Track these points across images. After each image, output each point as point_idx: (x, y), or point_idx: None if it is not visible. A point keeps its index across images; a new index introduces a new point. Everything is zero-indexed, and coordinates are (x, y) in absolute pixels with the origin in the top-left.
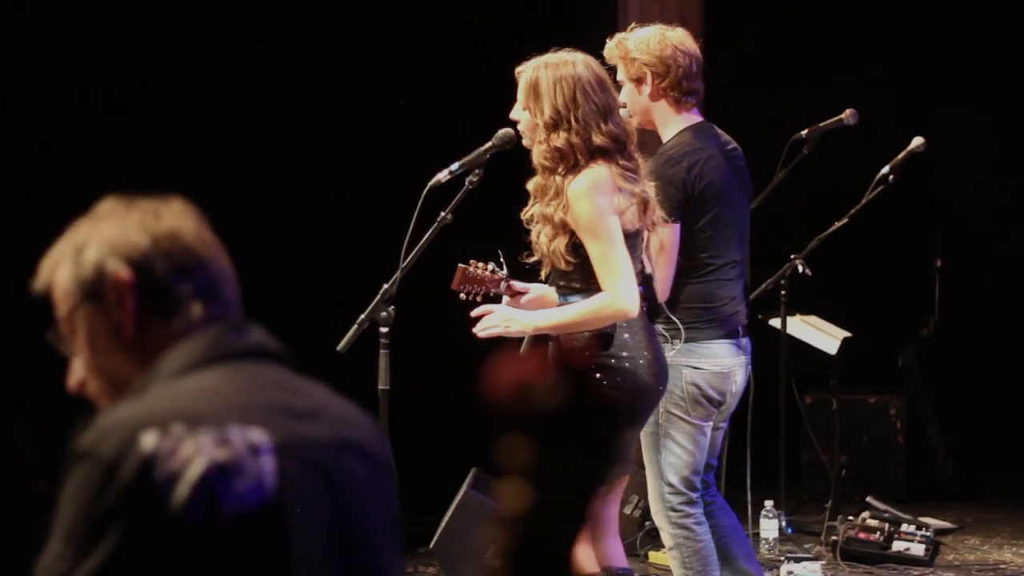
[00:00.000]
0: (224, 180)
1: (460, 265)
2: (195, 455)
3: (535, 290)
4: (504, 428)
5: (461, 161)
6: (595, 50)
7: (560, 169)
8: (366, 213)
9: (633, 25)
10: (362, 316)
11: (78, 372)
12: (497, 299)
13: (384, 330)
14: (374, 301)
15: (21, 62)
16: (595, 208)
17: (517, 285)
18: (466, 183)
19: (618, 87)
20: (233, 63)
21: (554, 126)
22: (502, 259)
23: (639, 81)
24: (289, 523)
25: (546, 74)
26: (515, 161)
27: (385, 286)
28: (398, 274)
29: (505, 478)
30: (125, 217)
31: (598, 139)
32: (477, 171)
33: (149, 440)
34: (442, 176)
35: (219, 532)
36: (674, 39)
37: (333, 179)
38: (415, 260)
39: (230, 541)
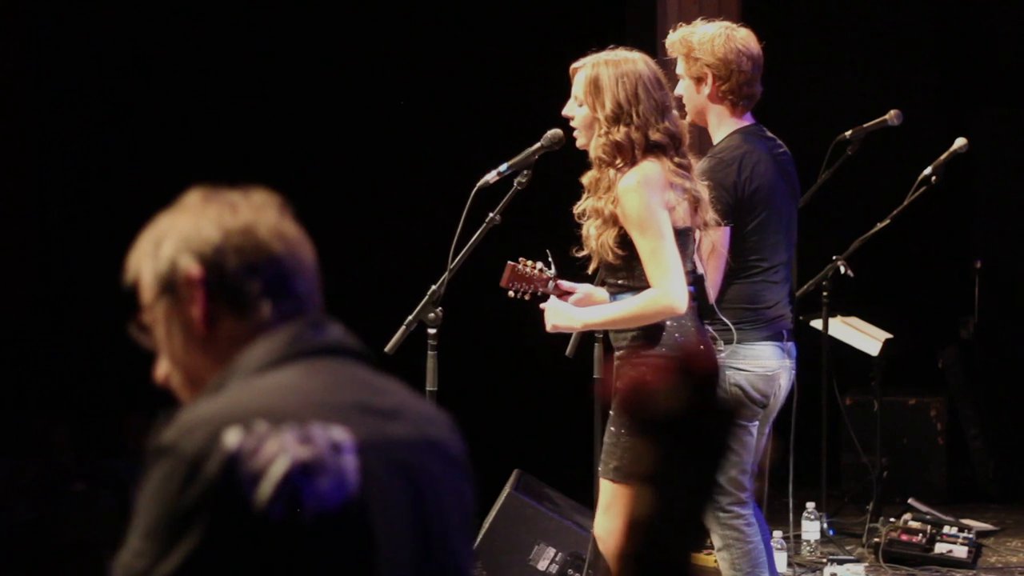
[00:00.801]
0: (273, 181)
1: (509, 263)
2: (278, 453)
3: (582, 290)
4: (630, 433)
5: (510, 162)
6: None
7: (617, 162)
8: (414, 214)
9: (699, 20)
10: (410, 317)
11: (163, 365)
12: (545, 298)
13: (432, 331)
14: (422, 302)
15: (121, 57)
16: (645, 203)
17: (565, 284)
18: (515, 184)
19: (675, 80)
20: (282, 64)
21: (615, 120)
22: (550, 258)
23: (699, 80)
24: (372, 522)
25: (607, 70)
26: (563, 162)
27: (433, 287)
28: (446, 275)
29: (628, 483)
30: (202, 210)
31: (655, 135)
32: (526, 172)
33: (233, 437)
34: (491, 177)
35: (302, 530)
36: (739, 41)
37: (381, 180)
38: (463, 261)
39: (312, 539)
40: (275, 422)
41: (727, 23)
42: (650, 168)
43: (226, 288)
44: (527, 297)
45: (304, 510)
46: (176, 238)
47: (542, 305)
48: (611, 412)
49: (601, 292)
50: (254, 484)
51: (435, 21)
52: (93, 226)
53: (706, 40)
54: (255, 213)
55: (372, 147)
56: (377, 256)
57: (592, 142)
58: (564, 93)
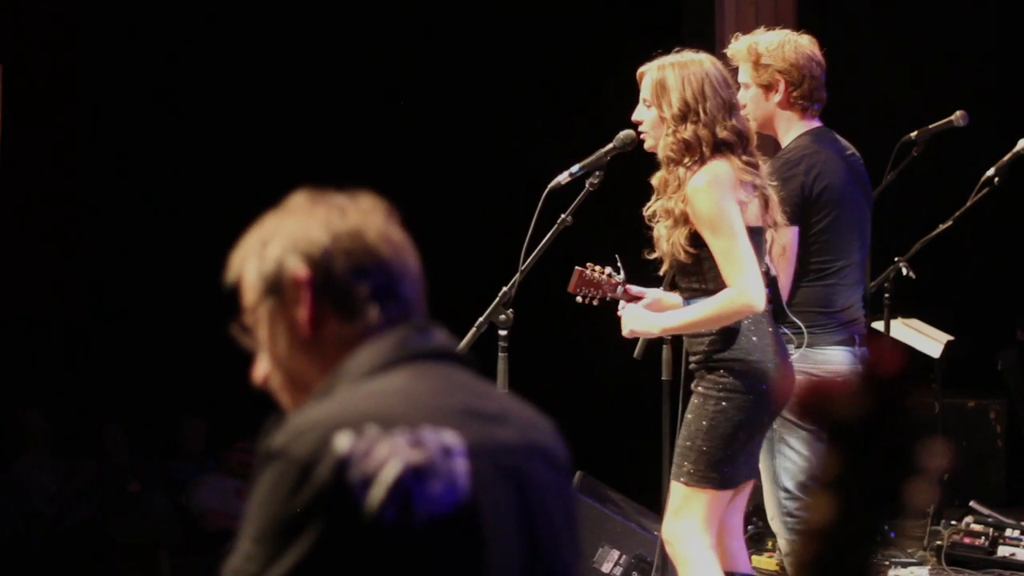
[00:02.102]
0: (345, 184)
1: (577, 268)
2: (390, 457)
3: (651, 295)
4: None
5: (582, 163)
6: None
7: (686, 161)
8: (486, 216)
9: (760, 29)
10: (481, 319)
11: (263, 366)
12: (613, 303)
13: (503, 333)
14: (493, 304)
15: (219, 60)
16: (715, 203)
17: (633, 289)
18: (586, 185)
19: (737, 88)
20: (352, 67)
21: (682, 118)
22: (619, 263)
23: (769, 88)
24: (482, 526)
25: (673, 70)
26: (635, 164)
27: (504, 289)
28: (517, 276)
29: (812, 489)
30: (311, 213)
31: (723, 133)
32: (597, 173)
33: (344, 441)
34: (562, 178)
35: (413, 534)
36: (806, 47)
37: (453, 182)
38: (534, 263)
39: (423, 543)
40: (386, 426)
41: (787, 31)
42: (719, 167)
43: (333, 290)
44: (595, 302)
45: (415, 514)
46: (284, 239)
47: (620, 311)
48: (686, 416)
49: (671, 297)
50: (365, 488)
51: (507, 28)
52: (153, 229)
53: (775, 47)
54: (363, 217)
55: (444, 149)
56: (448, 258)
57: (660, 142)
58: (633, 95)
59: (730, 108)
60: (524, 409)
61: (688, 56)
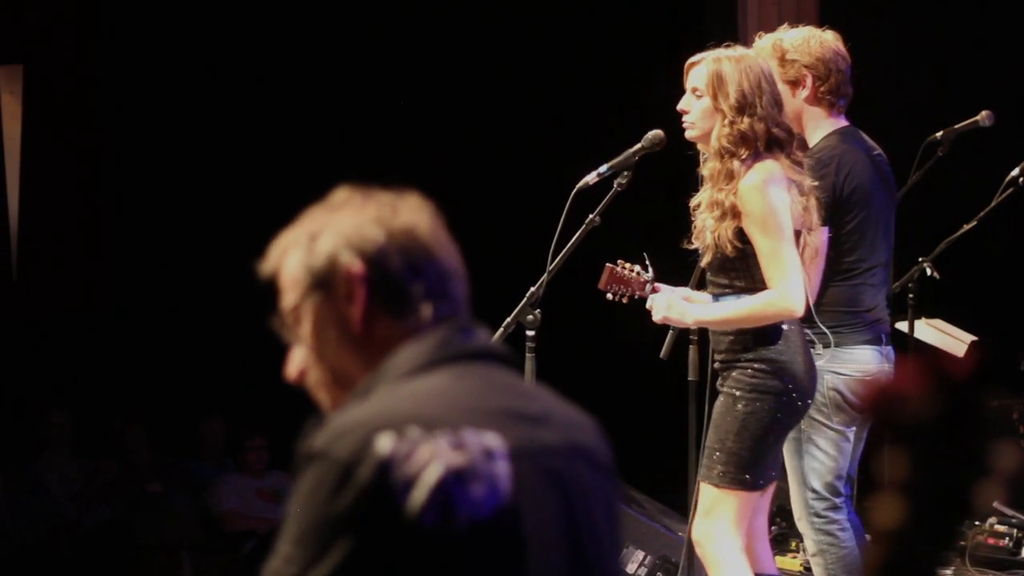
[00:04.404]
0: (374, 180)
1: (608, 265)
2: (432, 459)
3: (680, 293)
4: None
5: (610, 163)
6: None
7: (741, 153)
8: (514, 215)
9: (785, 25)
10: (508, 319)
11: (299, 361)
12: (641, 302)
13: (530, 333)
14: (520, 304)
15: (241, 60)
16: (768, 203)
17: (663, 288)
18: (615, 185)
19: None
20: (380, 65)
21: (739, 110)
22: (648, 261)
23: (796, 84)
24: (524, 530)
25: (731, 63)
26: (664, 165)
27: (532, 289)
28: (545, 276)
29: (880, 491)
30: (362, 209)
31: (776, 130)
32: (626, 173)
33: (385, 442)
34: (591, 178)
35: (454, 537)
36: (830, 41)
37: (481, 181)
38: (562, 263)
39: (465, 547)
40: (428, 428)
41: (812, 27)
42: (773, 167)
43: (388, 288)
44: (625, 300)
45: (457, 517)
46: (336, 234)
47: (651, 297)
48: (714, 417)
49: (699, 295)
50: (407, 490)
51: (535, 28)
52: (175, 230)
53: (800, 42)
54: (414, 214)
55: (472, 149)
56: (477, 258)
57: (715, 132)
58: (659, 94)
59: (780, 105)
60: (567, 409)
61: (742, 51)
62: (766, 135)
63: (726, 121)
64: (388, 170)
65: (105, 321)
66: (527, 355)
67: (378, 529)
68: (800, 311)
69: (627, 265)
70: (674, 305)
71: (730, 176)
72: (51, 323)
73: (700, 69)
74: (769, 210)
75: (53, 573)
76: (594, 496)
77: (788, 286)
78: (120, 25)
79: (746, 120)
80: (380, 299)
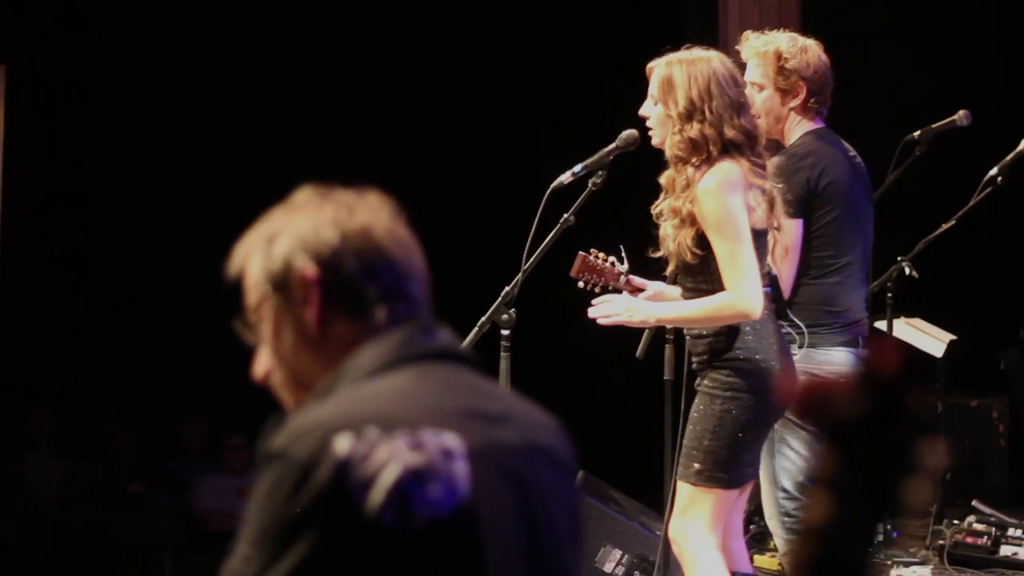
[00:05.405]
0: (347, 181)
1: (580, 253)
2: (390, 459)
3: (653, 287)
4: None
5: (584, 163)
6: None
7: (693, 160)
8: (488, 215)
9: (784, 31)
10: (483, 318)
11: (264, 362)
12: (616, 293)
13: (505, 333)
14: (495, 303)
15: (224, 59)
16: (724, 207)
17: (636, 281)
18: (589, 185)
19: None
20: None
21: (688, 117)
22: (623, 254)
23: (788, 92)
24: (482, 529)
25: (680, 68)
26: (638, 164)
27: (506, 288)
28: (520, 276)
29: (810, 488)
30: (319, 210)
31: (730, 132)
32: (600, 173)
33: (344, 443)
34: (565, 178)
35: (412, 537)
36: (822, 54)
37: (455, 181)
38: (537, 262)
39: (423, 547)
40: (386, 428)
41: (795, 34)
42: (729, 169)
43: (343, 290)
44: (597, 289)
45: (415, 517)
46: (292, 237)
47: (601, 297)
48: (691, 416)
49: (672, 291)
50: (365, 491)
51: (510, 27)
52: (155, 230)
53: (797, 52)
54: (371, 215)
55: (446, 149)
56: (451, 257)
57: (667, 140)
58: (636, 94)
59: (738, 107)
60: (528, 409)
61: (696, 53)
62: (719, 139)
63: (676, 128)
64: (359, 171)
65: (87, 322)
66: (502, 354)
67: (336, 529)
68: (756, 314)
69: (601, 255)
70: (634, 307)
71: (686, 184)
72: (33, 323)
73: (654, 75)
74: (724, 213)
75: (34, 573)
76: (554, 495)
77: (744, 289)
78: (107, 25)
79: (695, 126)
80: (336, 301)
